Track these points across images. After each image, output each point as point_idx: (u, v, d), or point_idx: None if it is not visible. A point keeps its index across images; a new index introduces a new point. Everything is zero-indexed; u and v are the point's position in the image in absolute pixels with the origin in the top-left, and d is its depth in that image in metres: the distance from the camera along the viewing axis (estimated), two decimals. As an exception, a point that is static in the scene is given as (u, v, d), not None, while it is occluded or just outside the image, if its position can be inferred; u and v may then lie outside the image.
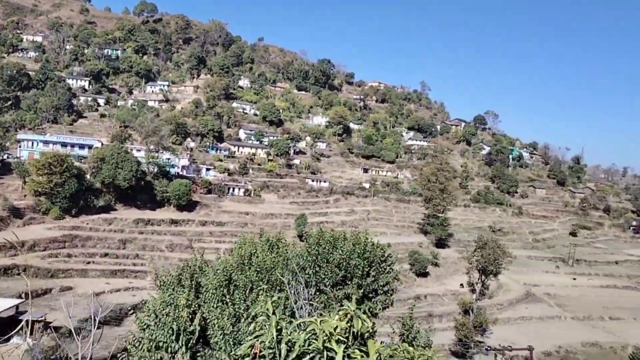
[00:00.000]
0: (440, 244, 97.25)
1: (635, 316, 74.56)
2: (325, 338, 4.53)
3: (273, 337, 4.97)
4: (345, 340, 4.78)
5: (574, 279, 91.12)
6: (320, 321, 4.74)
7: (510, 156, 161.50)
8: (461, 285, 73.55)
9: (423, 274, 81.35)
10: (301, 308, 7.08)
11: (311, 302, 7.79)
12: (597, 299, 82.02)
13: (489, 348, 46.70)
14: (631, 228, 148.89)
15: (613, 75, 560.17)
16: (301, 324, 5.00)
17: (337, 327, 4.68)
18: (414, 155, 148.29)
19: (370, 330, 5.00)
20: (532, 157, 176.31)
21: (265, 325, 5.22)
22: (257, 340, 5.06)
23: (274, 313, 5.31)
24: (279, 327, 5.08)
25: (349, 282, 16.93)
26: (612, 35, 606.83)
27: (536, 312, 72.19)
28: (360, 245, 17.51)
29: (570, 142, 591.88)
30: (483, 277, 60.38)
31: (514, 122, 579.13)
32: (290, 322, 5.18)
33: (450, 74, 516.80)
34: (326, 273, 16.57)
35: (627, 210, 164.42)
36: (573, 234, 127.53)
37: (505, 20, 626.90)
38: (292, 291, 7.79)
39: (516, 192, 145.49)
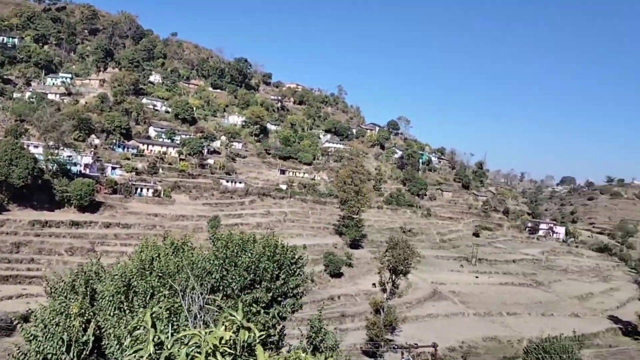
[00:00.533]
0: (355, 244, 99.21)
1: (529, 311, 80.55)
2: (209, 351, 4.18)
3: (150, 353, 4.51)
4: (233, 352, 4.44)
5: (477, 277, 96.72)
6: (206, 332, 4.37)
7: (421, 160, 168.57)
8: (373, 284, 75.46)
9: (337, 275, 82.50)
10: (196, 317, 6.63)
11: (209, 309, 7.33)
12: (496, 295, 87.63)
13: (396, 347, 48.21)
14: (527, 229, 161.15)
15: (512, 85, 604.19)
16: (184, 336, 4.60)
17: (222, 338, 4.33)
18: (331, 158, 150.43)
19: (257, 340, 4.70)
20: (440, 162, 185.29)
21: (144, 339, 4.76)
22: (134, 357, 4.59)
23: (153, 325, 4.84)
24: (158, 341, 4.64)
25: (258, 286, 16.54)
26: (511, 44, 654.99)
27: (442, 310, 75.72)
28: (270, 248, 17.14)
29: (474, 148, 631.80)
30: (394, 276, 62.31)
31: (425, 128, 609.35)
32: (172, 335, 4.75)
33: (365, 79, 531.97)
34: (234, 277, 16.05)
35: (523, 212, 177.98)
36: (476, 234, 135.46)
37: (417, 30, 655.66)
38: (189, 297, 7.31)
39: (425, 195, 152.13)
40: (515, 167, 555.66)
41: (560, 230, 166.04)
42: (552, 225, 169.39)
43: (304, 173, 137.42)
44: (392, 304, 66.00)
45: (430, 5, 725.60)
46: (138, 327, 5.15)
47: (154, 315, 5.09)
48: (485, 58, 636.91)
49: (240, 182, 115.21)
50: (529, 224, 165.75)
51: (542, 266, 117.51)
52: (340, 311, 68.51)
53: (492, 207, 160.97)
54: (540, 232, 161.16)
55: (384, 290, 62.93)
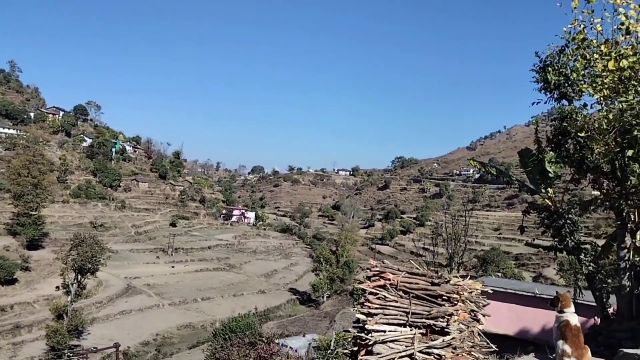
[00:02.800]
0: (33, 245, 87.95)
1: (222, 294, 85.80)
2: None
3: None
4: None
5: (173, 267, 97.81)
6: None
7: (114, 149, 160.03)
8: (57, 288, 68.40)
9: (10, 282, 71.60)
10: None
11: None
12: (192, 283, 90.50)
13: (70, 354, 44.99)
14: (222, 216, 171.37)
15: (209, 78, 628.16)
16: None
17: None
18: (1, 145, 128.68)
19: None
20: (135, 151, 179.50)
21: None
22: None
23: None
24: None
25: None
26: (212, 42, 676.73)
27: (136, 305, 73.93)
28: None
29: (171, 138, 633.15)
30: (79, 276, 57.72)
31: (118, 115, 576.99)
32: None
33: (46, 57, 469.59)
34: None
35: (219, 200, 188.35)
36: (173, 224, 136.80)
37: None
38: None
39: (119, 186, 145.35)
40: (212, 157, 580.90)
41: (251, 215, 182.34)
42: (243, 211, 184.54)
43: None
44: (78, 307, 61.02)
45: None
46: None
47: None
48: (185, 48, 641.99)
49: None
50: (224, 211, 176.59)
51: (235, 250, 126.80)
52: (14, 322, 59.82)
53: (189, 197, 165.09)
54: (234, 218, 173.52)
55: (68, 293, 57.67)
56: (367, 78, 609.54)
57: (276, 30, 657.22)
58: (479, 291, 8.10)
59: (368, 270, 7.60)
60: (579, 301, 13.19)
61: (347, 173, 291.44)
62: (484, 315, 8.00)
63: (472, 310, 7.66)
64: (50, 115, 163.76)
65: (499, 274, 70.89)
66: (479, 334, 7.81)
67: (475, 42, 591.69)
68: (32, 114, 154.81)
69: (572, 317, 8.14)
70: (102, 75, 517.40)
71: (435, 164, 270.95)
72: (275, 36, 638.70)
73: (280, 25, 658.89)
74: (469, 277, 8.28)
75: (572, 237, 13.32)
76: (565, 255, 14.77)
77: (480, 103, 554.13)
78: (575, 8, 9.51)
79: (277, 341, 33.76)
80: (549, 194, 14.06)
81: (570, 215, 13.45)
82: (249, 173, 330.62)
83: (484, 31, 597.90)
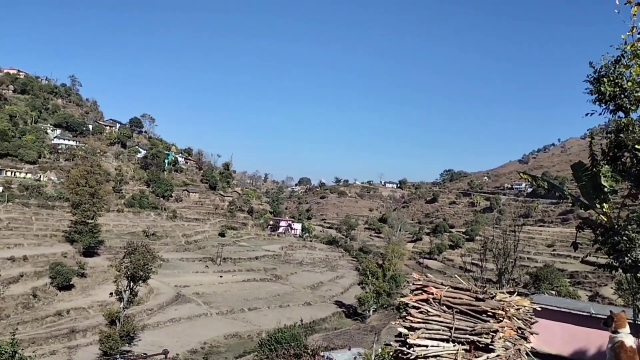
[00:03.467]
0: (89, 252, 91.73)
1: (268, 305, 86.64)
2: None
3: None
4: None
5: (221, 276, 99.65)
6: None
7: (166, 160, 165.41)
8: (110, 294, 70.89)
9: (67, 287, 74.89)
10: None
11: None
12: (239, 292, 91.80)
13: (122, 357, 46.38)
14: (269, 227, 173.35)
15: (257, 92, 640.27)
16: None
17: None
18: (61, 156, 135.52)
19: None
20: (187, 162, 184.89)
21: None
22: None
23: None
24: None
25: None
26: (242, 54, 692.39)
27: (185, 313, 75.67)
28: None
29: (221, 150, 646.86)
30: (132, 283, 59.70)
31: (171, 127, 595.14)
32: None
33: (104, 71, 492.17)
34: None
35: (266, 211, 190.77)
36: (222, 234, 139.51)
37: (152, 24, 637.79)
38: None
39: (171, 196, 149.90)
40: (260, 168, 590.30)
41: (298, 226, 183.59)
42: (290, 222, 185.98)
43: (27, 173, 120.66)
44: (130, 313, 63.18)
45: None
46: None
47: None
48: (228, 62, 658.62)
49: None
50: (271, 222, 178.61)
51: (281, 260, 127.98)
52: (70, 327, 62.40)
53: (238, 207, 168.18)
54: (281, 229, 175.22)
55: (121, 300, 59.73)
56: (415, 87, 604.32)
57: (328, 46, 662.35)
58: (528, 308, 7.90)
59: (411, 284, 7.57)
60: (638, 322, 12.55)
61: (395, 186, 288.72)
62: (532, 334, 7.79)
63: (519, 328, 7.48)
64: (108, 128, 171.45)
65: (553, 292, 68.13)
66: (526, 353, 7.61)
67: (530, 49, 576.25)
68: (90, 126, 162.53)
69: (628, 338, 7.77)
70: (156, 88, 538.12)
71: (486, 177, 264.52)
72: (327, 52, 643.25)
73: (329, 42, 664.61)
74: (516, 293, 8.09)
75: (629, 255, 12.74)
76: (622, 274, 14.10)
77: (534, 114, 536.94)
78: (634, 15, 9.19)
79: (322, 354, 33.77)
80: (604, 210, 13.51)
81: (627, 232, 12.88)
82: (296, 185, 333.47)
83: (539, 37, 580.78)
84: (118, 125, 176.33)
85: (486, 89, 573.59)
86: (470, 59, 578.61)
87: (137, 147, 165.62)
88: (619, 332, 7.91)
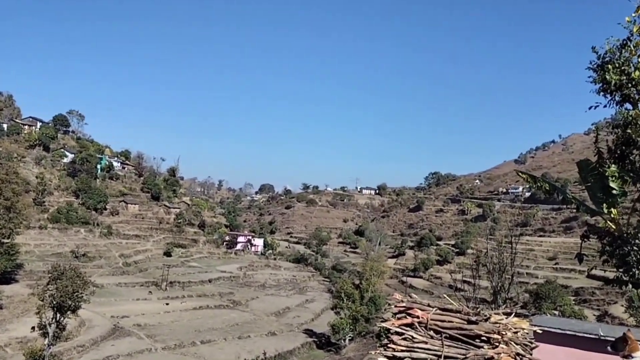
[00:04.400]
0: (5, 278, 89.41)
1: (225, 336, 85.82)
2: None
3: None
4: None
5: (167, 304, 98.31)
6: None
7: (99, 166, 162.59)
8: (32, 328, 69.24)
9: (-23, 322, 72.80)
10: None
11: None
12: (189, 323, 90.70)
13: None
14: (224, 243, 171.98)
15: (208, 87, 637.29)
16: None
17: None
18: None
19: None
20: (124, 168, 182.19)
21: None
22: None
23: None
24: None
25: None
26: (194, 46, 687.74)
27: (124, 348, 74.21)
28: None
29: (165, 153, 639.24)
30: (58, 315, 58.43)
31: (104, 127, 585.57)
32: None
33: (21, 62, 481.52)
34: None
35: (221, 224, 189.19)
36: (167, 253, 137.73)
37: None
38: None
39: (105, 209, 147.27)
40: (213, 174, 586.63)
41: (259, 242, 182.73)
42: (250, 237, 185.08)
43: None
44: (57, 351, 61.73)
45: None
46: None
47: None
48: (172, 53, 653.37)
49: None
50: (227, 238, 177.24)
51: (240, 283, 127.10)
52: (-18, 371, 60.60)
53: (187, 221, 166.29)
54: (239, 246, 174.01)
55: (46, 335, 58.35)
56: (395, 77, 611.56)
57: (283, 34, 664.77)
58: (527, 331, 8.04)
59: (393, 307, 7.62)
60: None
61: (372, 192, 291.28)
62: (532, 360, 7.93)
63: (518, 354, 7.61)
64: (26, 127, 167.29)
65: (556, 312, 69.79)
66: (526, 382, 7.74)
67: (526, 33, 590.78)
68: (4, 125, 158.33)
69: (643, 363, 7.98)
70: (85, 82, 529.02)
71: (478, 181, 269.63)
72: (284, 41, 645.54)
73: (287, 28, 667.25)
74: (514, 314, 8.23)
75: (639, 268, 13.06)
76: (633, 289, 14.47)
77: (531, 107, 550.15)
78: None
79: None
80: (612, 215, 13.81)
81: (637, 241, 13.21)
82: (256, 193, 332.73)
83: (537, 19, 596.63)
84: (39, 124, 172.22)
85: (477, 78, 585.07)
86: (458, 45, 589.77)
87: (62, 150, 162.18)
88: (632, 357, 8.10)
